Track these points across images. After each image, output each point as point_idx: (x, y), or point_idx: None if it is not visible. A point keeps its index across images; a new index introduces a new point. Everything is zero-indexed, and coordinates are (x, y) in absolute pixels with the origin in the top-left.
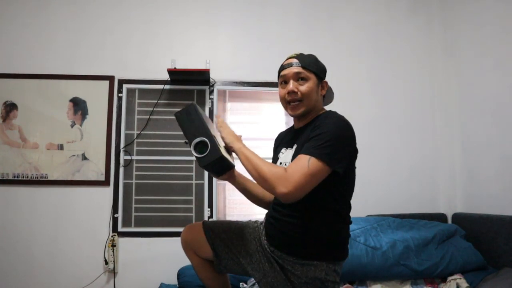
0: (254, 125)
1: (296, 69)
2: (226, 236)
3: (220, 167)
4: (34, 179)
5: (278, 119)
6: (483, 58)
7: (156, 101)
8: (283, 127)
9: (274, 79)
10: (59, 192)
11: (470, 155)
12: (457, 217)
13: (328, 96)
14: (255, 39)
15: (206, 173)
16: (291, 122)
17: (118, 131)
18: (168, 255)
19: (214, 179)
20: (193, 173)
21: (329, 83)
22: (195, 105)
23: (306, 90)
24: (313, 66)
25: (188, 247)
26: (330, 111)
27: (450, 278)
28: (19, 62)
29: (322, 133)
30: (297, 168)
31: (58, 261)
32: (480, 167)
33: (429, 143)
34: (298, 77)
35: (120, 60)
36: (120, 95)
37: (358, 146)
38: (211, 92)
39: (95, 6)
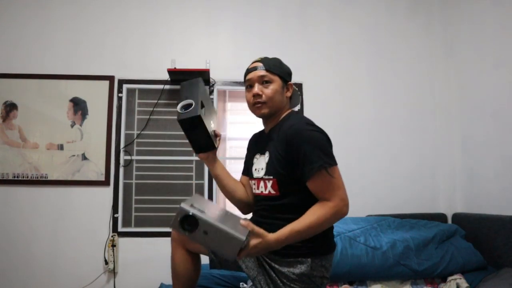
0: (254, 125)
1: (260, 72)
2: None
3: (199, 133)
4: (34, 179)
5: None
6: (483, 58)
7: (156, 101)
8: None
9: None
10: (59, 192)
11: (470, 155)
12: (457, 217)
13: (294, 99)
14: (255, 39)
15: (206, 173)
16: None
17: (118, 131)
18: (168, 255)
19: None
20: (193, 173)
21: (329, 83)
22: (200, 80)
23: (270, 93)
24: (277, 69)
25: (179, 239)
26: (293, 114)
27: (450, 278)
28: (19, 62)
29: (312, 147)
30: (330, 188)
31: (58, 261)
32: (480, 167)
33: (429, 143)
34: (262, 80)
35: (120, 60)
36: (120, 95)
37: (357, 146)
38: (211, 92)
39: (95, 6)
